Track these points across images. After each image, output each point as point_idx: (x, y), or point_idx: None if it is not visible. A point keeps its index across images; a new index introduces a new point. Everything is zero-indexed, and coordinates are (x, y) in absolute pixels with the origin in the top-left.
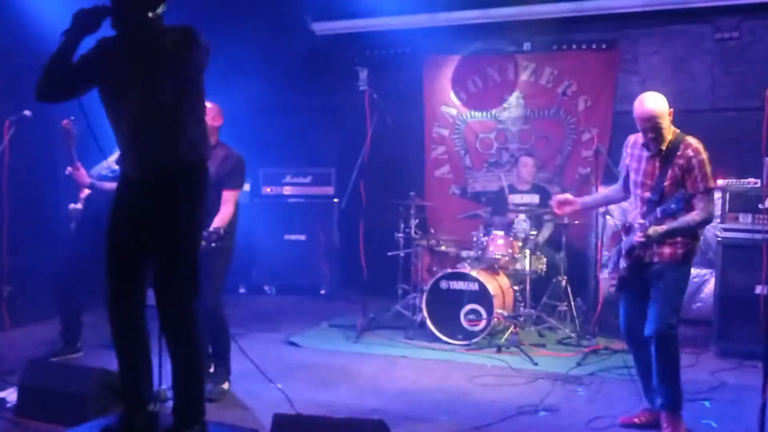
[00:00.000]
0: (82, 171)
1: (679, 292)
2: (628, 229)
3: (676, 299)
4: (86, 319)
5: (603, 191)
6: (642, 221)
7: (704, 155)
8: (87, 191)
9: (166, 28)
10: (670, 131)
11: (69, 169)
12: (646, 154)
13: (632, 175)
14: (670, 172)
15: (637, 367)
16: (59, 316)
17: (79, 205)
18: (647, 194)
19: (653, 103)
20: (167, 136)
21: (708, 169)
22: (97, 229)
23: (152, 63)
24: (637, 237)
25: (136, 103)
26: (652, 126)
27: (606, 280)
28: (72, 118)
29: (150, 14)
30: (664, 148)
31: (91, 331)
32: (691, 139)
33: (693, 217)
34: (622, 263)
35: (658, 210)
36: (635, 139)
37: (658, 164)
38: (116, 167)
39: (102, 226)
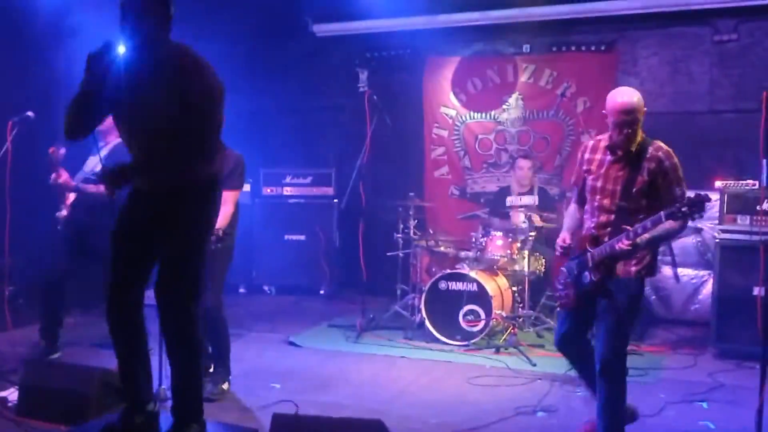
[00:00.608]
0: (65, 175)
1: (630, 315)
2: (594, 239)
3: (627, 323)
4: (87, 320)
5: (570, 218)
6: (627, 227)
7: (676, 159)
8: (71, 197)
9: (177, 49)
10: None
11: (53, 176)
12: (609, 158)
13: (590, 182)
14: (639, 177)
15: (586, 378)
16: (40, 316)
17: (65, 212)
18: (607, 201)
19: (632, 95)
20: (177, 153)
21: (681, 173)
22: (84, 232)
23: (162, 83)
24: (622, 244)
25: (146, 122)
26: (630, 120)
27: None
28: (58, 143)
29: (161, 33)
30: (634, 149)
31: (91, 330)
32: (660, 143)
33: (672, 225)
34: (588, 277)
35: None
36: (594, 144)
37: (624, 168)
38: (98, 170)
39: (89, 229)
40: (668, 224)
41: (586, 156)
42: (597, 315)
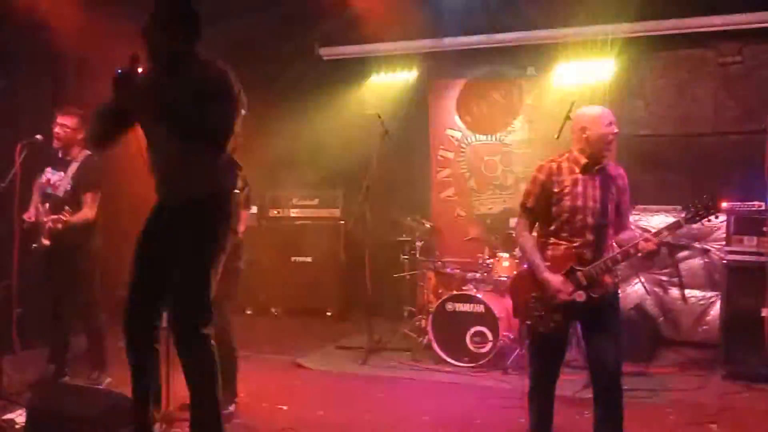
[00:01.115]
0: (61, 217)
1: (622, 330)
2: (580, 257)
3: (621, 339)
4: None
5: (537, 252)
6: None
7: None
8: (49, 224)
9: (202, 64)
10: None
11: (28, 215)
12: (581, 176)
13: (567, 203)
14: (610, 193)
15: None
16: (48, 341)
17: (47, 242)
18: (590, 219)
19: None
20: (193, 168)
21: None
22: (68, 257)
23: (184, 98)
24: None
25: (166, 135)
26: (615, 135)
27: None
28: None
29: (185, 48)
30: (604, 164)
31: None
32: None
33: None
34: (585, 296)
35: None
36: (557, 165)
37: (598, 186)
38: (69, 187)
39: (75, 252)
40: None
41: (555, 178)
42: (590, 331)
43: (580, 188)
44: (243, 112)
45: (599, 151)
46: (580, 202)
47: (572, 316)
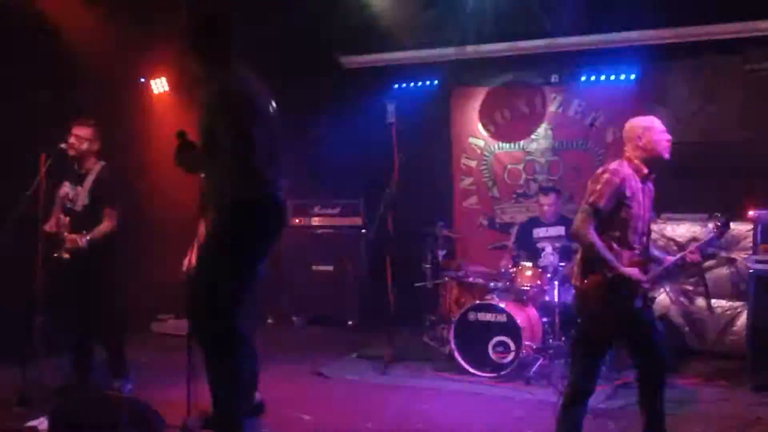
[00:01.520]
0: (83, 239)
1: None
2: (641, 265)
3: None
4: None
5: (609, 251)
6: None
7: None
8: (69, 237)
9: (217, 77)
10: None
11: (51, 224)
12: (641, 185)
13: (634, 210)
14: (651, 202)
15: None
16: (70, 348)
17: (67, 255)
18: (645, 227)
19: None
20: (216, 179)
21: None
22: (87, 272)
23: (201, 113)
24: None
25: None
26: (669, 141)
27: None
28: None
29: (211, 66)
30: None
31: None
32: None
33: None
34: (642, 301)
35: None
36: (625, 170)
37: (647, 194)
38: (87, 201)
39: (92, 268)
40: None
41: (627, 182)
42: (636, 331)
43: (640, 196)
44: (256, 118)
45: (658, 158)
46: (642, 211)
47: (626, 324)
